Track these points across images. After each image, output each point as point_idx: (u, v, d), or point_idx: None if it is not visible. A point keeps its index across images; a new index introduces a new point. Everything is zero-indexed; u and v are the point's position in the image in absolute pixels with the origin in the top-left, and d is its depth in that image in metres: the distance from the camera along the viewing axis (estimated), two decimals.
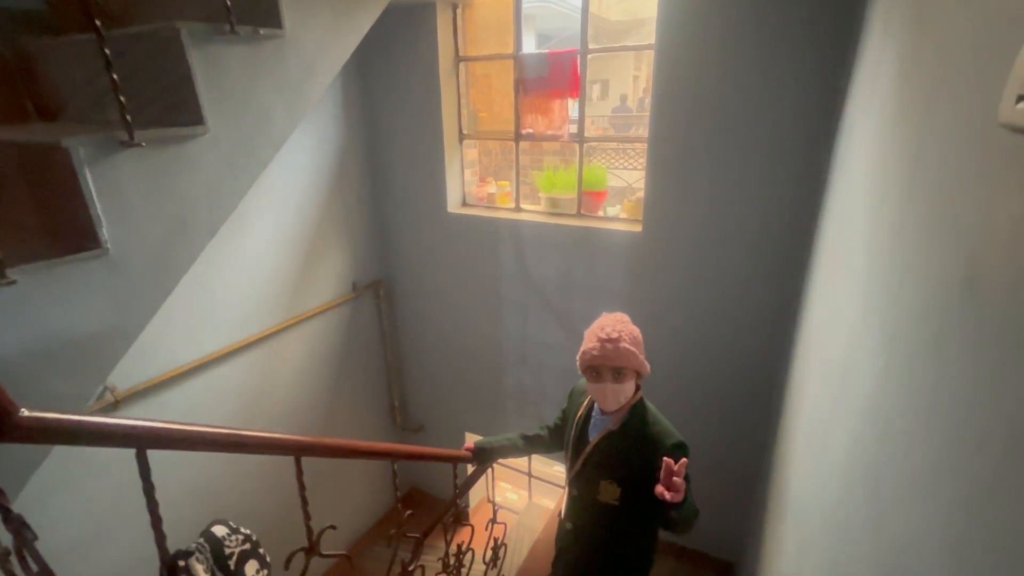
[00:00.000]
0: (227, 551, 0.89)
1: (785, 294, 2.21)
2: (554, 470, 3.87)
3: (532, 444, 1.85)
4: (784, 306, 2.22)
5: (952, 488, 0.43)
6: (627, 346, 1.44)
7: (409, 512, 1.57)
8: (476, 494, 4.15)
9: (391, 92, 3.02)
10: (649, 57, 2.27)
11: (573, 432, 1.62)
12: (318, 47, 1.37)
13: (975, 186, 0.48)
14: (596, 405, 1.57)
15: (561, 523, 1.77)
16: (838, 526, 0.77)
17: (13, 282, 0.87)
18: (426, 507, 3.69)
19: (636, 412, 1.50)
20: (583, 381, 1.62)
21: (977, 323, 0.43)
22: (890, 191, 0.81)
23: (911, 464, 0.52)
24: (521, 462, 3.89)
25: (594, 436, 1.55)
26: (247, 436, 0.95)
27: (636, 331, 1.50)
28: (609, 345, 1.44)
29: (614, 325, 1.48)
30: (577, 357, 1.51)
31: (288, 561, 1.12)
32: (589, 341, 1.48)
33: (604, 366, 1.46)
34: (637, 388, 1.52)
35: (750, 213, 2.25)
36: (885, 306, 0.71)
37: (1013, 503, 0.35)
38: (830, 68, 1.91)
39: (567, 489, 1.69)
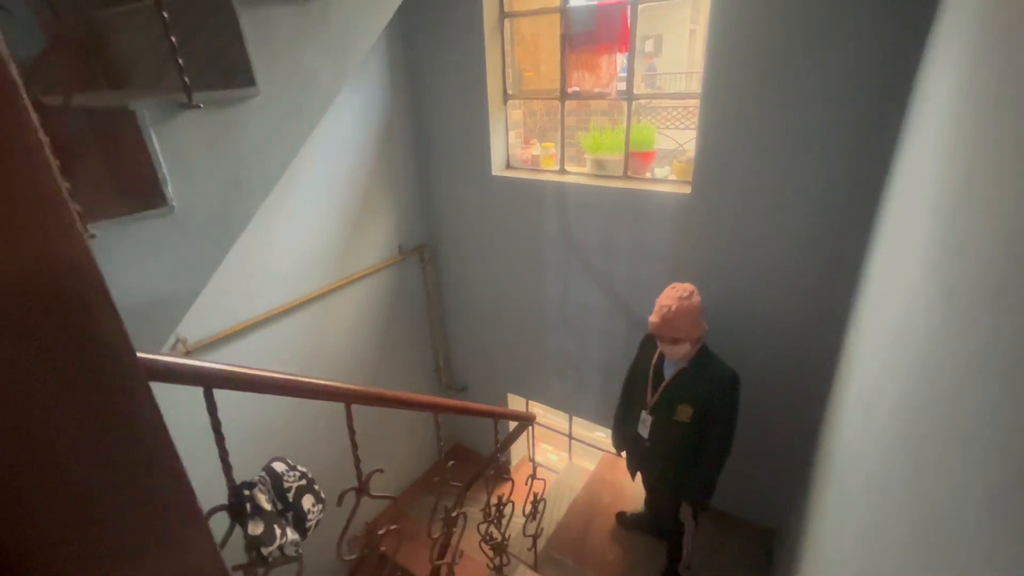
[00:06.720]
0: (286, 485, 0.97)
1: (845, 261, 2.09)
2: (595, 435, 3.93)
3: (630, 400, 2.31)
4: (843, 275, 2.09)
5: (993, 439, 0.41)
6: (678, 321, 1.86)
7: (451, 462, 1.65)
8: (518, 453, 4.28)
9: (435, 52, 2.99)
10: (707, 7, 2.12)
11: (651, 371, 2.09)
12: (359, 7, 1.37)
13: None
14: None
15: (640, 441, 2.22)
16: (879, 486, 0.75)
17: (93, 236, 0.96)
18: (470, 463, 3.84)
19: (701, 355, 1.99)
20: None
21: None
22: (964, 135, 0.74)
23: (956, 418, 0.50)
24: (563, 424, 3.98)
25: (669, 373, 2.04)
26: (303, 382, 1.02)
27: (694, 302, 1.91)
28: (663, 321, 1.88)
29: (672, 301, 1.89)
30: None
31: (340, 499, 1.21)
32: (653, 311, 1.94)
33: (660, 335, 1.92)
34: (701, 337, 1.95)
35: (811, 173, 2.11)
36: (947, 260, 0.67)
37: None
38: (912, 7, 1.73)
39: (647, 415, 2.15)
